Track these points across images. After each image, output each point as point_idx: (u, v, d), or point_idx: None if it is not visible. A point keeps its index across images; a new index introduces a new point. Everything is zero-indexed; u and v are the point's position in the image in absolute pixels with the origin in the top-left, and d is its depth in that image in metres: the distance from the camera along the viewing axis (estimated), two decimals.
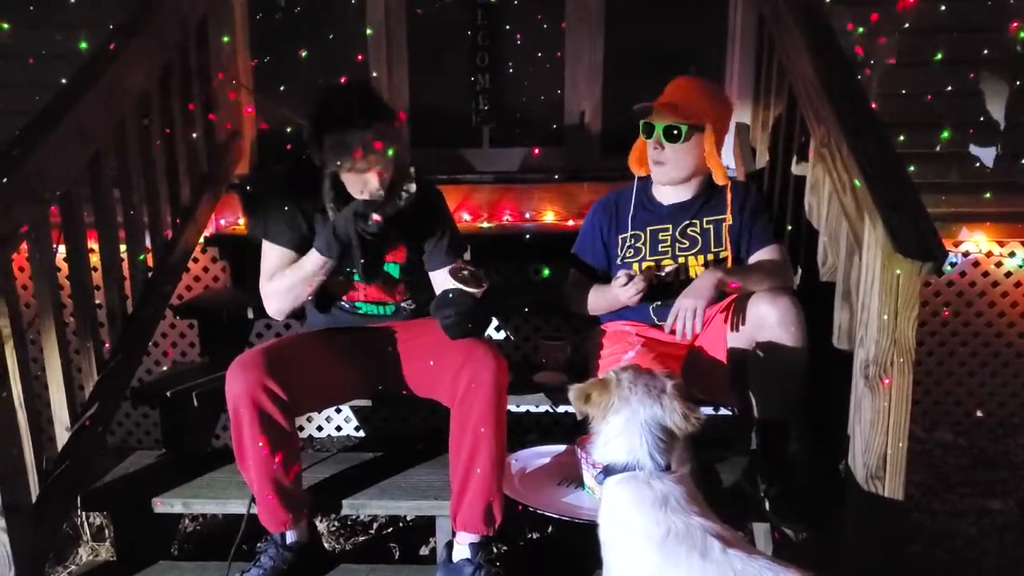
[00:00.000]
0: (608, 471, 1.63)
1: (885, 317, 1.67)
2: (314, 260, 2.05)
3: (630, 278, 2.16)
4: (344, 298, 2.22)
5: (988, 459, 3.07)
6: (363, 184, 2.04)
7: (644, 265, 2.30)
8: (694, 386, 2.20)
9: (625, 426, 1.61)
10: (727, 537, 1.50)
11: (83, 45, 2.62)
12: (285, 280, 2.10)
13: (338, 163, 2.00)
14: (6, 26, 3.04)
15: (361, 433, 3.43)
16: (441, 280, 2.11)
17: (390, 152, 2.01)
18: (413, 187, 2.11)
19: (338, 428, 3.44)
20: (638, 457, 1.59)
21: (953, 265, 3.25)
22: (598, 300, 2.33)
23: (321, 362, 2.05)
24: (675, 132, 2.21)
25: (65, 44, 2.86)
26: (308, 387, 1.99)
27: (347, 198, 2.08)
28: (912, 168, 2.88)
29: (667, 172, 2.28)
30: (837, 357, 2.02)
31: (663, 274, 2.26)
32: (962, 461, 3.05)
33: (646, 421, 1.61)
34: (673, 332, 2.10)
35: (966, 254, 3.25)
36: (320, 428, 3.44)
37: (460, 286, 1.98)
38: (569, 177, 3.41)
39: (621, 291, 2.17)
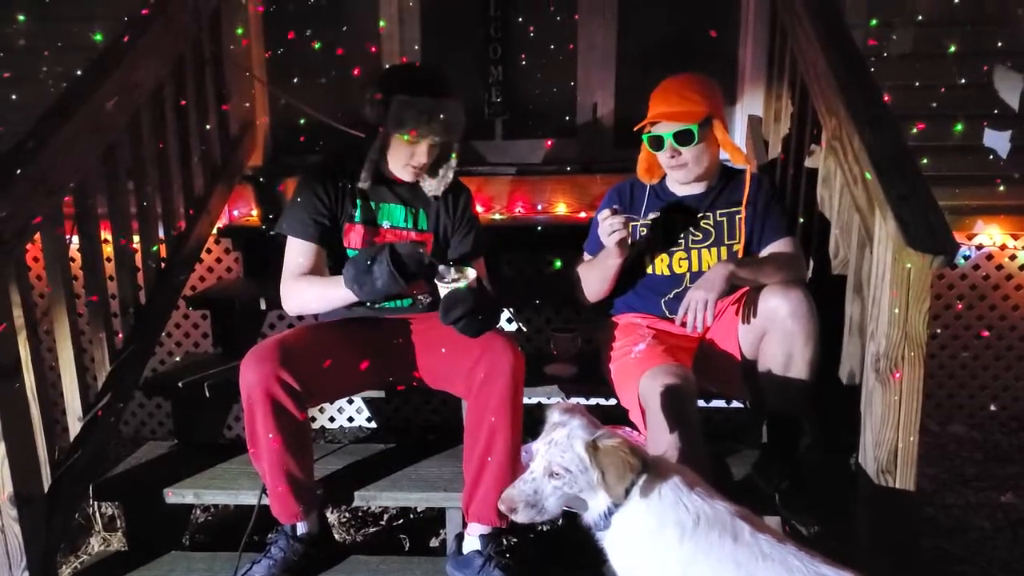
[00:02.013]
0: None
1: (896, 311, 1.67)
2: (343, 296, 2.00)
3: (614, 214, 2.09)
4: None
5: (1002, 453, 3.05)
6: (411, 156, 2.09)
7: (656, 256, 2.29)
8: (705, 379, 2.21)
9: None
10: (753, 520, 1.50)
11: (98, 37, 2.64)
12: (308, 294, 2.08)
13: (400, 127, 2.04)
14: (22, 18, 3.07)
15: (373, 424, 3.45)
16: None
17: (451, 129, 2.07)
18: (451, 174, 2.17)
19: (350, 419, 3.46)
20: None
21: (967, 258, 3.23)
22: (589, 270, 2.30)
23: (335, 354, 2.06)
24: (687, 136, 2.18)
25: (80, 36, 2.89)
26: (322, 379, 2.00)
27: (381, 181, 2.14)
28: (926, 161, 2.88)
29: (691, 171, 2.24)
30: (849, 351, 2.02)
31: (644, 228, 2.21)
32: (976, 455, 3.03)
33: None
34: (684, 324, 2.09)
35: (980, 247, 3.22)
36: (332, 419, 3.46)
37: (453, 286, 1.98)
38: (582, 169, 3.40)
39: (604, 225, 2.10)
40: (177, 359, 2.99)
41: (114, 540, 2.44)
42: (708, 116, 2.18)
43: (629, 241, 2.14)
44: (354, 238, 2.16)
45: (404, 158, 2.11)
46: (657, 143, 2.22)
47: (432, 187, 2.20)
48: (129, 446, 2.69)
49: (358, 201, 2.16)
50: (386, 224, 2.19)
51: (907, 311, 1.67)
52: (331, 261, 2.16)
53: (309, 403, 1.97)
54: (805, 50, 2.39)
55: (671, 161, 2.22)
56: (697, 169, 2.23)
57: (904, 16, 3.04)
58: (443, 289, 1.95)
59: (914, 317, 1.67)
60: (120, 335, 2.32)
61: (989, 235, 3.21)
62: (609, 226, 2.09)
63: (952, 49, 3.03)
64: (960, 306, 3.28)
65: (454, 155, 2.19)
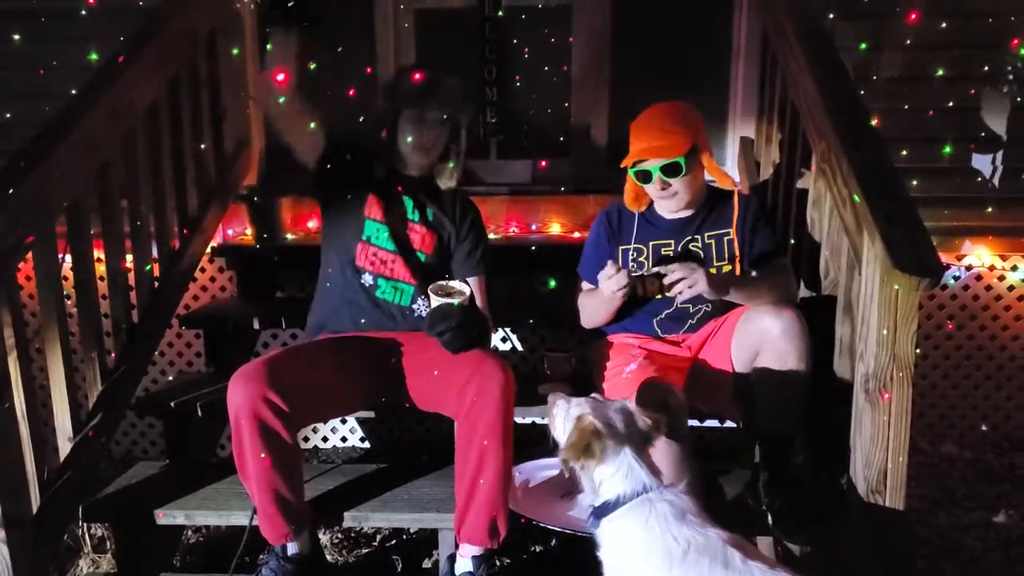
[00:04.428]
0: (603, 510, 1.60)
1: (884, 332, 1.68)
2: None
3: (617, 271, 2.12)
4: (370, 268, 2.24)
5: (993, 473, 3.06)
6: (420, 134, 2.22)
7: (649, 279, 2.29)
8: (698, 398, 2.21)
9: (620, 460, 1.60)
10: (745, 547, 1.50)
11: (93, 56, 2.65)
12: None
13: (406, 100, 2.20)
14: (17, 37, 3.08)
15: (366, 444, 3.44)
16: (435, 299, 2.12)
17: (453, 100, 2.23)
18: (455, 176, 2.30)
19: (343, 439, 3.45)
20: (644, 482, 1.58)
21: (956, 279, 3.25)
22: (589, 301, 2.33)
23: (325, 374, 2.06)
24: (675, 168, 2.19)
25: (75, 55, 2.90)
26: (311, 399, 1.99)
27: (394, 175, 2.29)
28: (915, 182, 2.92)
29: (680, 200, 2.25)
30: (839, 371, 2.03)
31: (654, 278, 2.22)
32: (967, 475, 3.04)
33: (631, 448, 1.61)
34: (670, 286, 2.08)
35: (969, 267, 3.25)
36: (325, 439, 3.45)
37: (445, 300, 2.01)
38: (576, 189, 3.42)
39: (605, 282, 2.12)
40: (169, 378, 2.98)
41: (103, 562, 2.42)
42: (693, 145, 2.19)
43: (628, 290, 2.14)
44: (375, 210, 2.26)
45: (413, 137, 2.21)
46: (645, 177, 2.23)
47: (446, 179, 2.29)
48: (120, 466, 2.67)
49: (378, 182, 2.29)
50: (397, 210, 2.28)
51: (895, 332, 1.68)
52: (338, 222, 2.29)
53: (298, 423, 1.97)
54: (796, 75, 2.42)
55: (661, 193, 2.24)
56: (687, 197, 2.25)
57: (893, 41, 3.08)
58: (434, 301, 1.98)
59: (902, 338, 1.68)
60: (112, 354, 2.31)
61: (978, 256, 3.24)
62: (615, 283, 2.10)
63: (940, 72, 3.08)
64: (951, 326, 3.30)
65: (462, 153, 2.30)
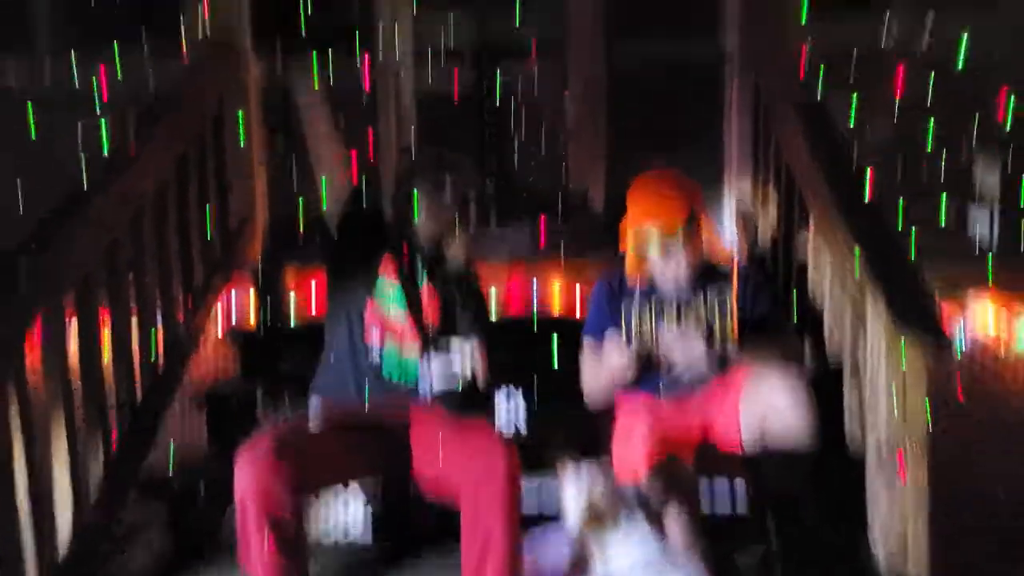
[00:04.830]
0: None
1: (895, 398, 1.67)
2: None
3: (622, 343, 2.13)
4: (376, 334, 2.23)
5: (1015, 540, 2.98)
6: (440, 200, 2.24)
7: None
8: (706, 462, 2.18)
9: (632, 530, 1.57)
10: None
11: (104, 136, 2.70)
12: None
13: (423, 173, 2.26)
14: (32, 117, 3.15)
15: (369, 524, 3.36)
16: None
17: (466, 170, 2.30)
18: (463, 246, 2.29)
19: (346, 526, 3.38)
20: (656, 552, 1.55)
21: (962, 340, 3.24)
22: (593, 368, 2.31)
23: (331, 449, 2.04)
24: (675, 238, 2.20)
25: (87, 133, 2.97)
26: (318, 475, 1.98)
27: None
28: (912, 240, 2.93)
29: (680, 265, 2.25)
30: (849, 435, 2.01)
31: (660, 355, 2.23)
32: (989, 542, 2.96)
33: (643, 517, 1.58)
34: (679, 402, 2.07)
35: (974, 328, 3.24)
36: (327, 519, 3.37)
37: (448, 361, 2.03)
38: (575, 254, 3.44)
39: (610, 356, 2.13)
40: (172, 456, 2.94)
41: None
42: (691, 212, 2.22)
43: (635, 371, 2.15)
44: (388, 268, 2.26)
45: (425, 209, 2.23)
46: (644, 246, 2.24)
47: (454, 247, 2.28)
48: (121, 543, 2.62)
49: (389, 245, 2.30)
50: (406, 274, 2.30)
51: (905, 400, 1.67)
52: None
53: (305, 503, 1.94)
54: (789, 138, 2.47)
55: (660, 261, 2.25)
56: (687, 263, 2.27)
57: (883, 104, 3.15)
58: (437, 362, 1.98)
59: (914, 405, 1.67)
60: (115, 432, 2.29)
61: (983, 315, 3.23)
62: (620, 357, 2.11)
63: (931, 134, 3.14)
64: (960, 389, 3.27)
65: (472, 212, 2.31)
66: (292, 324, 3.16)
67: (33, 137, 3.14)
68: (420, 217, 2.27)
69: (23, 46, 3.47)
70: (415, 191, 2.27)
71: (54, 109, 3.23)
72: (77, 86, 3.21)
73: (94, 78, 3.13)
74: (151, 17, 3.43)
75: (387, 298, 2.26)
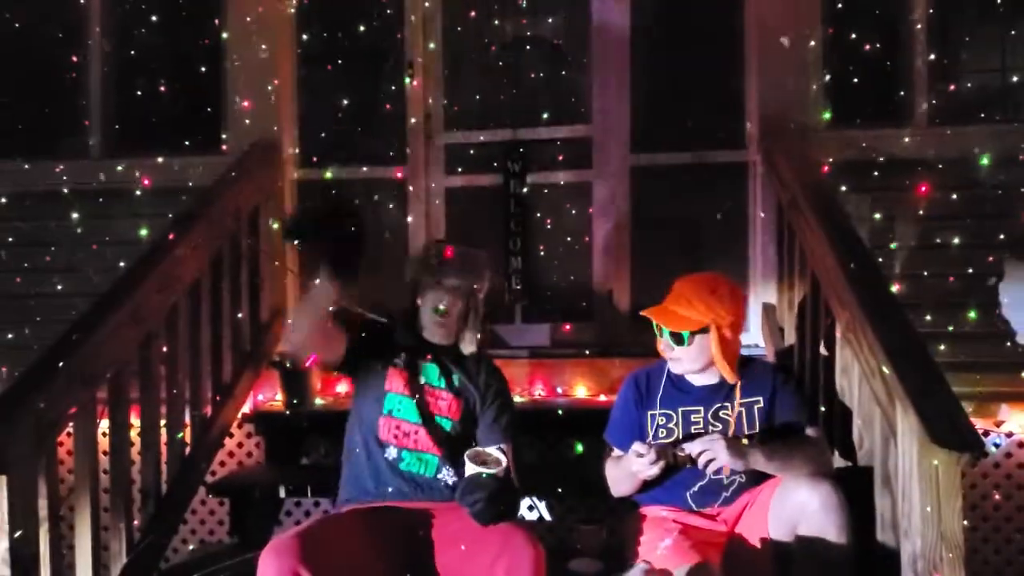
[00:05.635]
0: None
1: (928, 509, 1.63)
2: None
3: (647, 450, 2.10)
4: (393, 440, 2.23)
5: None
6: (438, 302, 2.30)
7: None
8: (736, 572, 2.12)
9: None
10: None
11: (143, 232, 2.81)
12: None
13: (425, 270, 2.31)
14: (75, 215, 3.30)
15: None
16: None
17: (472, 271, 2.33)
18: (475, 340, 2.34)
19: None
20: None
21: (997, 446, 3.16)
22: (616, 472, 2.30)
23: (355, 547, 2.00)
24: (679, 338, 2.25)
25: (127, 232, 3.09)
26: (342, 573, 1.93)
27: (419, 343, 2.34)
28: (942, 347, 2.91)
29: (681, 366, 2.30)
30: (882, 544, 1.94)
31: (681, 453, 2.20)
32: None
33: None
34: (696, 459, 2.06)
35: (1009, 434, 3.16)
36: None
37: (482, 469, 1.99)
38: (600, 352, 3.46)
39: (635, 462, 2.11)
40: (191, 547, 2.92)
41: None
42: (707, 325, 2.23)
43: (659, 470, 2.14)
44: (397, 383, 2.26)
45: (431, 308, 2.28)
46: (659, 330, 2.31)
47: (467, 344, 2.33)
48: None
49: (402, 354, 2.31)
50: (421, 380, 2.30)
51: (940, 509, 1.63)
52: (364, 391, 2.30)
53: None
54: (813, 246, 2.50)
55: (667, 352, 2.30)
56: (688, 366, 2.29)
57: (908, 211, 3.20)
58: (469, 469, 1.97)
59: (947, 515, 1.63)
60: (137, 523, 2.29)
61: (1017, 421, 3.16)
62: (646, 464, 2.10)
63: (956, 241, 3.16)
64: (997, 495, 3.17)
65: (481, 306, 2.36)
66: (317, 412, 3.15)
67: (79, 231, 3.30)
68: (427, 314, 2.32)
69: (75, 147, 3.66)
70: (420, 287, 2.34)
71: (101, 205, 3.36)
72: (122, 184, 3.36)
73: (137, 173, 3.29)
74: (196, 116, 3.63)
75: (399, 412, 2.28)
